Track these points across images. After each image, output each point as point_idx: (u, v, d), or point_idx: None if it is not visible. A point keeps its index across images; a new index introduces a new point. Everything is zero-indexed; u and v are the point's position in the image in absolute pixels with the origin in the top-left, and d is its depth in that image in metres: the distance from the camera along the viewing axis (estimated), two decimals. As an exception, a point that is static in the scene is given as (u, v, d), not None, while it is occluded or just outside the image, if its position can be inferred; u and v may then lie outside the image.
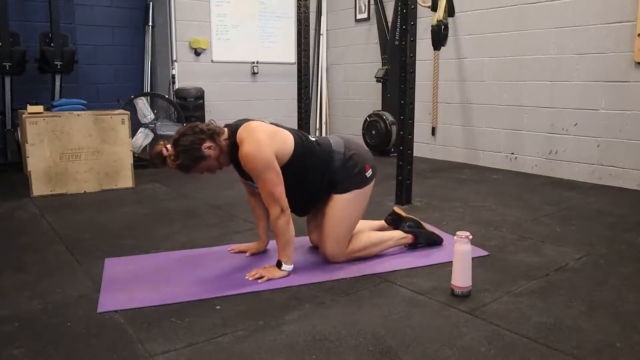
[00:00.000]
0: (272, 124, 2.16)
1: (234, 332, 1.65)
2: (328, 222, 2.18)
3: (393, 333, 1.63)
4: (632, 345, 1.55)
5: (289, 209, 2.05)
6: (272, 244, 2.51)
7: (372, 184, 2.25)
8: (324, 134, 6.54)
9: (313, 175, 2.16)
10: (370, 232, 2.36)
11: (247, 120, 2.14)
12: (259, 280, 2.02)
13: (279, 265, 2.08)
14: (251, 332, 1.64)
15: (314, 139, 2.22)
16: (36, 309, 1.83)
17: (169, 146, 2.03)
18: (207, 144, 2.03)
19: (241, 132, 2.04)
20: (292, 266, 2.09)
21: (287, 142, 2.09)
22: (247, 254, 2.37)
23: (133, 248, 2.51)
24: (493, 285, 2.00)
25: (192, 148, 2.00)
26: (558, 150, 4.20)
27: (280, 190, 2.01)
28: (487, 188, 3.84)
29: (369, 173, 2.23)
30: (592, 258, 2.32)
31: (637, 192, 3.65)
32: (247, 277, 2.06)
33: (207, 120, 2.14)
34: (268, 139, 2.01)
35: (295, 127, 4.35)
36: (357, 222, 2.25)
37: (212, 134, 2.05)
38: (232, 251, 2.42)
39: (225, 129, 2.11)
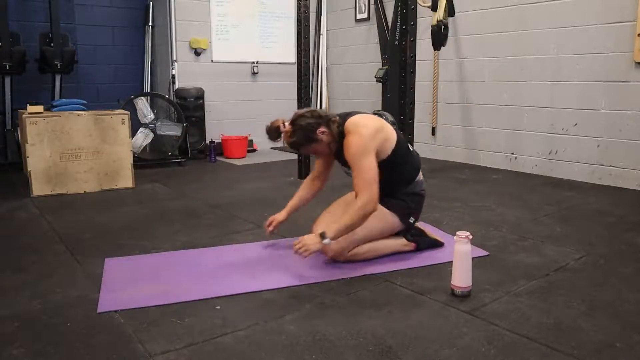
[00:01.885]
0: (376, 114, 2.30)
1: (234, 332, 1.65)
2: None
3: (393, 333, 1.63)
4: (632, 345, 1.55)
5: (377, 205, 2.10)
6: (271, 244, 2.52)
7: (401, 226, 2.32)
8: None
9: (399, 175, 2.29)
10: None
11: (357, 112, 2.26)
12: (303, 255, 2.03)
13: (322, 236, 2.05)
14: (251, 332, 1.64)
15: (411, 148, 2.35)
16: (36, 309, 1.83)
17: (286, 123, 2.18)
18: (322, 129, 2.17)
19: (349, 123, 2.18)
20: (330, 242, 2.07)
21: (389, 139, 2.23)
22: (271, 227, 2.43)
23: (133, 248, 2.51)
24: (493, 285, 2.00)
25: (308, 129, 2.16)
26: (558, 150, 4.20)
27: (374, 178, 2.08)
28: (487, 188, 3.84)
29: (412, 219, 2.35)
30: (592, 258, 2.32)
31: (637, 192, 3.65)
32: (294, 251, 2.06)
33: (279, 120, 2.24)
34: (373, 133, 2.15)
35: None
36: (372, 238, 2.25)
37: (328, 120, 2.19)
38: (267, 230, 2.44)
39: (337, 117, 2.23)
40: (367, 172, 2.08)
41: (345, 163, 2.23)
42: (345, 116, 2.24)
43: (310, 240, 2.07)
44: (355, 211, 2.07)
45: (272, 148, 6.15)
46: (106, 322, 1.72)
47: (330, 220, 2.34)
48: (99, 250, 2.46)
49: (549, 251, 2.41)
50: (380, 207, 2.25)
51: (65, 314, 1.78)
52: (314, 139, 2.17)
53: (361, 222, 2.09)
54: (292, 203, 2.49)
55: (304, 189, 2.51)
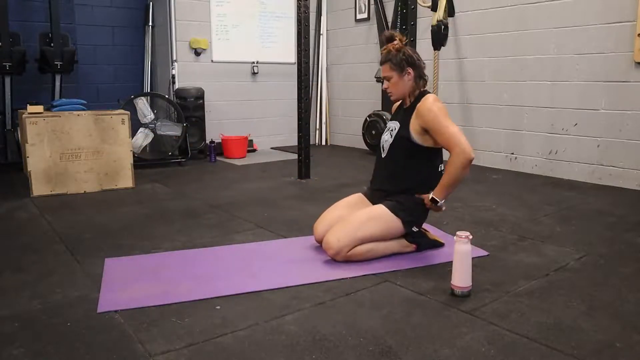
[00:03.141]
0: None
1: (234, 332, 1.65)
2: (358, 217, 2.24)
3: (393, 333, 1.63)
4: (632, 345, 1.55)
5: (472, 155, 2.18)
6: (271, 244, 2.51)
7: (403, 231, 2.32)
8: (324, 134, 6.54)
9: (427, 169, 2.33)
10: None
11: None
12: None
13: (434, 201, 2.21)
14: (251, 332, 1.64)
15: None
16: (36, 309, 1.83)
17: (401, 43, 2.31)
18: (411, 70, 2.28)
19: (429, 97, 2.27)
20: (444, 202, 2.25)
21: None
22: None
23: (133, 248, 2.51)
24: (493, 285, 2.00)
25: (411, 57, 2.28)
26: (558, 150, 4.20)
27: (459, 132, 2.18)
28: (487, 188, 3.84)
29: (415, 229, 2.35)
30: (592, 258, 2.32)
31: (637, 192, 3.65)
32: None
33: None
34: (445, 111, 2.24)
35: (296, 128, 4.36)
36: (374, 239, 2.26)
37: (422, 75, 2.32)
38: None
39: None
40: (452, 128, 2.17)
41: (404, 123, 2.30)
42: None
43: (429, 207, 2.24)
44: (454, 165, 2.16)
45: (272, 148, 6.16)
46: (106, 322, 1.72)
47: (331, 221, 2.34)
48: (99, 250, 2.46)
49: (549, 251, 2.41)
50: (387, 211, 2.27)
51: (65, 314, 1.78)
52: (403, 67, 2.27)
53: (464, 174, 2.18)
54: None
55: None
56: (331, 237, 2.22)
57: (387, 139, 2.37)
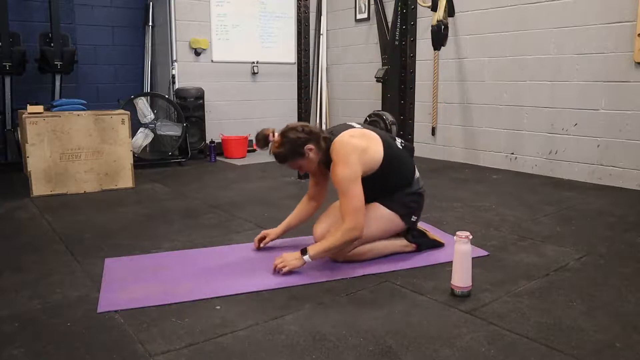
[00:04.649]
0: (364, 127, 2.26)
1: (234, 332, 1.65)
2: None
3: (393, 333, 1.63)
4: (632, 345, 1.55)
5: (362, 234, 2.09)
6: (271, 244, 2.51)
7: (403, 226, 2.32)
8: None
9: (393, 180, 2.27)
10: None
11: (346, 127, 2.25)
12: (283, 271, 2.07)
13: (303, 252, 2.09)
14: (251, 332, 1.64)
15: (401, 146, 2.32)
16: (36, 309, 1.83)
17: (276, 134, 2.16)
18: (311, 146, 2.14)
19: (336, 144, 2.15)
20: (311, 260, 2.10)
21: (375, 158, 2.18)
22: (264, 243, 2.44)
23: (133, 248, 2.51)
24: (493, 285, 2.00)
25: (296, 143, 2.12)
26: (558, 150, 4.20)
27: (361, 206, 2.07)
28: (487, 188, 3.83)
29: (414, 218, 2.35)
30: (592, 258, 2.32)
31: (637, 192, 3.65)
32: (273, 272, 2.10)
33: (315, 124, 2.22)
34: (358, 158, 2.11)
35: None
36: (373, 239, 2.26)
37: (318, 138, 2.15)
38: (256, 242, 2.45)
39: (326, 135, 2.20)
40: (354, 199, 2.06)
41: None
42: (333, 132, 2.21)
43: (291, 257, 2.10)
44: (340, 235, 2.07)
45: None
46: (106, 322, 1.72)
47: (329, 222, 2.34)
48: (99, 250, 2.46)
49: (549, 251, 2.41)
50: (382, 208, 2.27)
51: (65, 314, 1.78)
52: (300, 153, 2.14)
53: (344, 247, 2.10)
54: (288, 220, 2.49)
55: (301, 207, 2.49)
56: None
57: None
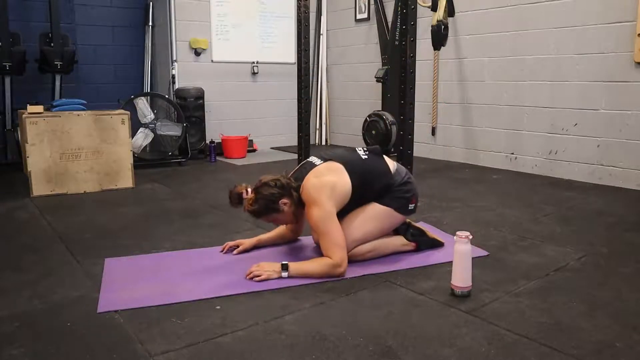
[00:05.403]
0: (325, 160, 2.24)
1: (234, 332, 1.65)
2: (352, 219, 2.22)
3: (393, 333, 1.63)
4: (632, 345, 1.55)
5: (345, 270, 2.08)
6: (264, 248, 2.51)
7: (401, 218, 2.32)
8: (324, 134, 6.54)
9: (370, 195, 2.25)
10: None
11: (305, 168, 2.25)
12: (255, 279, 2.03)
13: (283, 267, 2.06)
14: (251, 332, 1.64)
15: (365, 156, 2.30)
16: (36, 309, 1.83)
17: (249, 190, 2.18)
18: (285, 200, 2.15)
19: (304, 188, 2.16)
20: (287, 277, 2.06)
21: (345, 188, 2.17)
22: (235, 252, 2.40)
23: (133, 248, 2.51)
24: (493, 285, 2.00)
25: (270, 200, 2.14)
26: (558, 150, 4.20)
27: (341, 241, 2.08)
28: (487, 188, 3.84)
29: (412, 206, 2.32)
30: (592, 258, 2.32)
31: (637, 192, 3.65)
32: (245, 277, 2.06)
33: (282, 174, 2.24)
34: (329, 197, 2.11)
35: (296, 128, 4.35)
36: (373, 237, 2.26)
37: (291, 189, 2.17)
38: (227, 247, 2.42)
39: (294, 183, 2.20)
40: (334, 236, 2.07)
41: None
42: (299, 177, 2.22)
43: (269, 267, 2.07)
44: (326, 268, 2.06)
45: (272, 148, 6.16)
46: (106, 322, 1.72)
47: None
48: (99, 250, 2.46)
49: (549, 251, 2.41)
50: (377, 206, 2.25)
51: (65, 314, 1.78)
52: (275, 209, 2.15)
53: (323, 274, 2.06)
54: (264, 236, 2.48)
55: (279, 232, 2.49)
56: None
57: None
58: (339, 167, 2.21)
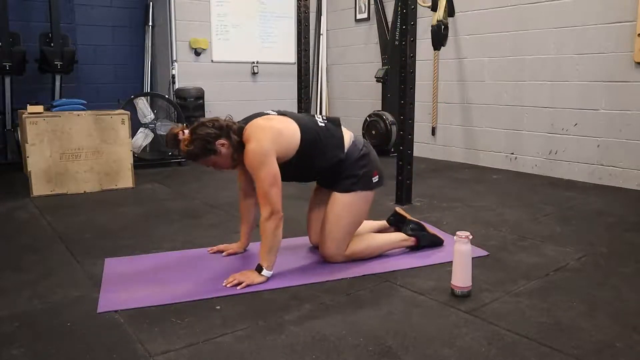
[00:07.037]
0: (280, 113, 2.15)
1: (234, 332, 1.65)
2: (328, 222, 2.19)
3: (393, 333, 1.63)
4: (632, 345, 1.55)
5: (281, 213, 2.01)
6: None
7: (374, 190, 2.25)
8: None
9: (319, 162, 2.15)
10: (372, 234, 2.36)
11: (257, 115, 2.14)
12: (238, 287, 1.96)
13: (259, 269, 2.01)
14: (251, 332, 1.64)
15: (322, 124, 2.18)
16: (36, 309, 1.83)
17: (186, 131, 2.06)
18: (222, 140, 2.03)
19: (247, 130, 2.05)
20: (272, 272, 2.03)
21: (292, 139, 2.07)
22: (224, 254, 2.37)
23: (133, 248, 2.51)
24: (493, 285, 2.00)
25: (206, 140, 2.02)
26: (558, 150, 4.20)
27: (275, 192, 1.98)
28: (487, 188, 3.84)
29: (375, 178, 2.23)
30: (592, 258, 2.32)
31: (637, 192, 3.65)
32: (224, 284, 1.98)
33: (225, 117, 2.13)
34: (271, 139, 2.00)
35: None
36: (357, 225, 2.25)
37: (229, 131, 2.05)
38: (210, 251, 2.40)
39: (237, 125, 2.10)
40: (265, 182, 1.96)
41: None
42: (245, 122, 2.10)
43: (252, 276, 2.00)
44: (264, 231, 1.99)
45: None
46: (106, 322, 1.72)
47: (316, 226, 2.33)
48: (99, 250, 2.46)
49: (549, 251, 2.41)
50: (341, 196, 2.18)
51: (65, 314, 1.78)
52: (212, 150, 2.03)
53: (275, 237, 2.00)
54: (243, 231, 2.41)
55: (243, 211, 2.39)
56: (324, 250, 2.22)
57: None
58: (290, 121, 2.12)
